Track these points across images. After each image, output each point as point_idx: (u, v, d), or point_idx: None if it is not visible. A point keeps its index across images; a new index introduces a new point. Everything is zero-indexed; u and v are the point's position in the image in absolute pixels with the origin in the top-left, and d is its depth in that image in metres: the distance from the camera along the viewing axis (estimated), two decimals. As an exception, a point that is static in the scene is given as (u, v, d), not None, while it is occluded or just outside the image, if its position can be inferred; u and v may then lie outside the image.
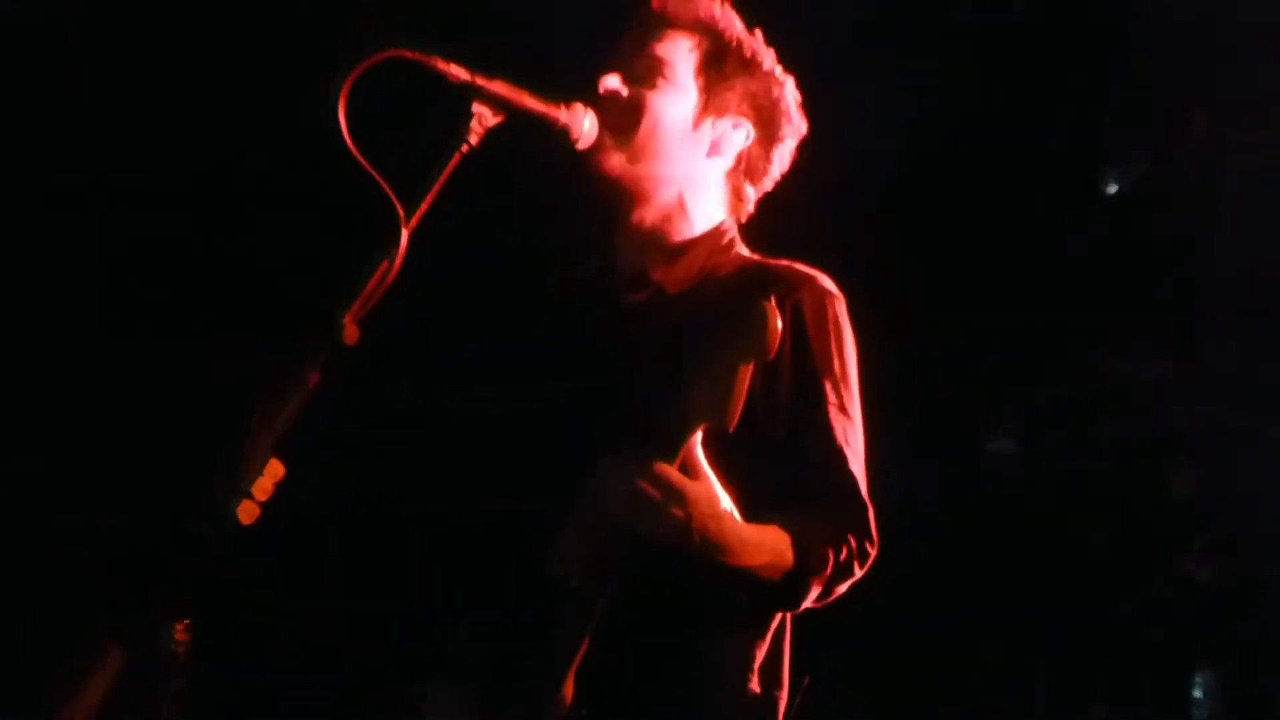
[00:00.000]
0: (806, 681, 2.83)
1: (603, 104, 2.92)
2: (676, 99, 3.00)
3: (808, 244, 3.02)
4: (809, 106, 3.09)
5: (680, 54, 3.03)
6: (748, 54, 3.06)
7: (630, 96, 2.95)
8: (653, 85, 2.99)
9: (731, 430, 2.50)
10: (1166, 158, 4.81)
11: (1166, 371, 4.84)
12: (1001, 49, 4.68)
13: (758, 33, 3.08)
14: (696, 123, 3.00)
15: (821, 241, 3.07)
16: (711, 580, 2.66)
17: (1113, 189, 4.81)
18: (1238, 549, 4.76)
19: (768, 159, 3.08)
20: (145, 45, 4.36)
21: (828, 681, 2.80)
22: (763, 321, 2.47)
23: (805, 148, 3.07)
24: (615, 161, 2.91)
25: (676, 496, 2.54)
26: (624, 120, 2.95)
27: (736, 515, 2.66)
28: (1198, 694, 4.74)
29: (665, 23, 3.04)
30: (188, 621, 2.55)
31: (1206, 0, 4.54)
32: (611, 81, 2.93)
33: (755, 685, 2.82)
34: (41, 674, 2.47)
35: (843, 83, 3.10)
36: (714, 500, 2.62)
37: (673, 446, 2.56)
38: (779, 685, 2.84)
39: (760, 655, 2.83)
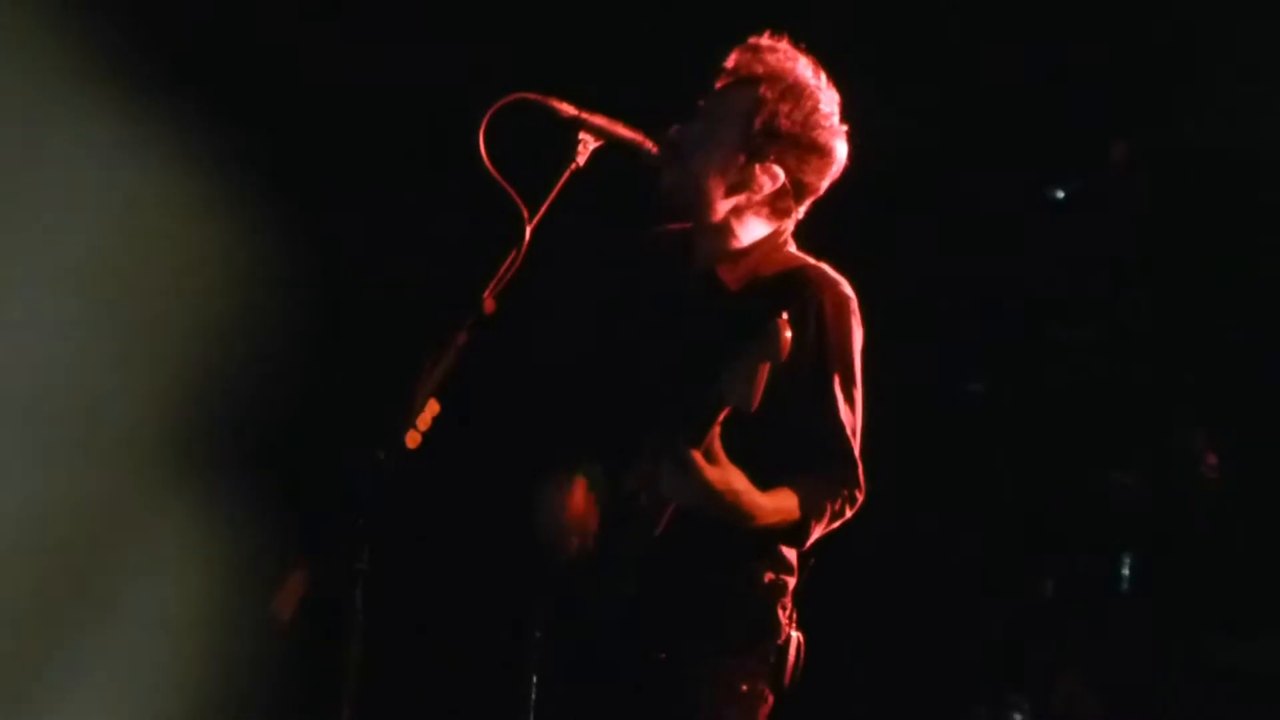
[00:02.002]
0: (812, 563, 3.28)
1: (669, 150, 3.24)
2: (721, 158, 3.23)
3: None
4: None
5: (733, 115, 3.23)
6: (795, 99, 3.21)
7: (684, 155, 3.24)
8: (704, 146, 3.24)
9: (753, 411, 2.96)
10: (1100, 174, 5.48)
11: (1094, 334, 5.59)
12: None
13: (809, 64, 3.25)
14: (741, 173, 3.24)
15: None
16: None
17: (1059, 194, 5.47)
18: (1151, 460, 5.55)
19: (814, 180, 3.28)
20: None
21: (825, 567, 3.32)
22: (776, 335, 2.95)
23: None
24: (673, 199, 3.29)
25: (702, 482, 2.97)
26: (679, 175, 3.26)
27: (749, 485, 3.03)
28: (1125, 571, 5.57)
29: (734, 76, 3.25)
30: (371, 522, 2.84)
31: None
32: (673, 134, 3.24)
33: (771, 572, 3.23)
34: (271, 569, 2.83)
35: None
36: (730, 480, 3.00)
37: (705, 427, 2.97)
38: (790, 571, 3.26)
39: (775, 549, 3.24)
